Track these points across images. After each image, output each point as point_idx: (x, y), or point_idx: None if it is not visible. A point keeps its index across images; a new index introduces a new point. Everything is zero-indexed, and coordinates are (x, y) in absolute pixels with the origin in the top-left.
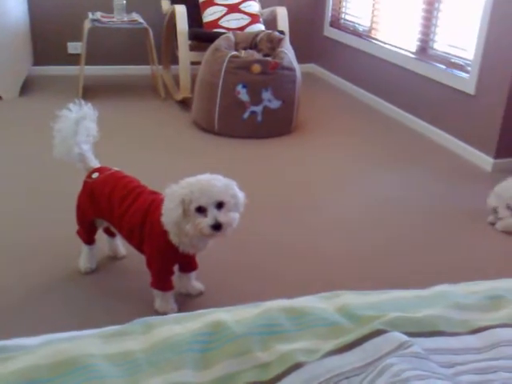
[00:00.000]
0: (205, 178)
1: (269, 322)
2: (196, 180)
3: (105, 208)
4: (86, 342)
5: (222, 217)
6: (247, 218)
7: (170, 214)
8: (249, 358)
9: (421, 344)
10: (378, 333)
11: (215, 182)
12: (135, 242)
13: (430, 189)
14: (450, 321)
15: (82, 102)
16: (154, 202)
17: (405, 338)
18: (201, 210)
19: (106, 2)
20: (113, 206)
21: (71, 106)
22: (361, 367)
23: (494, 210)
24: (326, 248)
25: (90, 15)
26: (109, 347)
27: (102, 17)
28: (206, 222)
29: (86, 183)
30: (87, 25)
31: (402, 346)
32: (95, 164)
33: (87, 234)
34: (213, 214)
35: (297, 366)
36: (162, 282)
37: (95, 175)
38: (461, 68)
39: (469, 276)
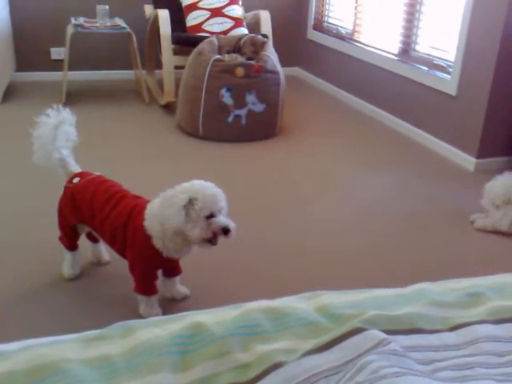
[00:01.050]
0: (204, 184)
1: (249, 323)
2: (197, 186)
3: (86, 213)
4: (64, 347)
5: (229, 222)
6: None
7: (171, 220)
8: (228, 359)
9: (399, 341)
10: (356, 331)
11: (217, 189)
12: (118, 246)
13: (413, 189)
14: (429, 318)
15: (60, 107)
16: (136, 207)
17: (383, 335)
18: (210, 216)
19: (88, 7)
20: (94, 210)
21: (49, 111)
22: (340, 366)
23: (487, 211)
24: (311, 249)
25: (73, 20)
26: (87, 352)
27: (85, 22)
28: (219, 226)
29: (66, 188)
30: (70, 30)
31: (381, 344)
32: (76, 169)
33: (69, 240)
34: (223, 220)
35: (276, 366)
36: (145, 286)
37: (76, 180)
38: (442, 69)
39: (451, 275)
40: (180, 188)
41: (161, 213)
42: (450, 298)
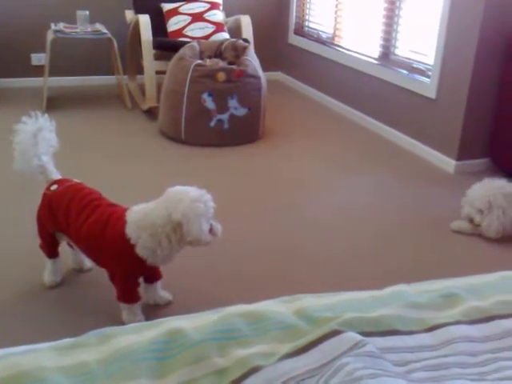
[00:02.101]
0: (196, 189)
1: (227, 328)
2: (194, 193)
3: (62, 221)
4: (41, 355)
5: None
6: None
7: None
8: (206, 364)
9: (375, 343)
10: (333, 333)
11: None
12: (94, 256)
13: (394, 191)
14: (404, 320)
15: (38, 113)
16: (112, 215)
17: (359, 337)
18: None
19: (68, 12)
20: (70, 219)
21: (26, 118)
22: (316, 368)
23: (469, 218)
24: (293, 252)
25: (53, 26)
26: (64, 359)
27: (65, 28)
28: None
29: (45, 195)
30: (50, 36)
31: (357, 346)
32: (56, 176)
33: (49, 248)
34: (216, 222)
35: (254, 370)
36: (128, 294)
37: (54, 187)
38: (422, 73)
39: (429, 277)
40: (176, 197)
41: (173, 223)
42: (425, 299)
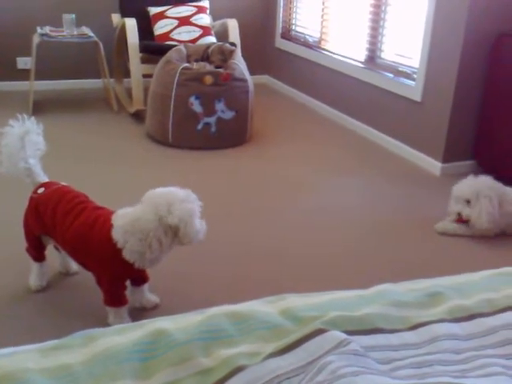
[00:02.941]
0: (181, 190)
1: (212, 328)
2: (182, 193)
3: (49, 224)
4: (24, 357)
5: None
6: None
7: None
8: (191, 364)
9: (360, 341)
10: (318, 332)
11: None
12: (80, 259)
13: (380, 194)
14: (389, 318)
15: (25, 116)
16: (99, 219)
17: (344, 336)
18: None
19: (55, 16)
20: (56, 222)
21: (13, 121)
22: (301, 367)
23: (458, 214)
24: (280, 253)
25: (39, 30)
26: (47, 361)
27: (51, 31)
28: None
29: (31, 199)
30: (36, 39)
31: (341, 344)
32: (43, 179)
33: (36, 251)
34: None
35: (238, 370)
36: (115, 298)
37: (41, 190)
38: (407, 76)
39: (415, 277)
40: (164, 199)
41: (168, 226)
42: (410, 298)
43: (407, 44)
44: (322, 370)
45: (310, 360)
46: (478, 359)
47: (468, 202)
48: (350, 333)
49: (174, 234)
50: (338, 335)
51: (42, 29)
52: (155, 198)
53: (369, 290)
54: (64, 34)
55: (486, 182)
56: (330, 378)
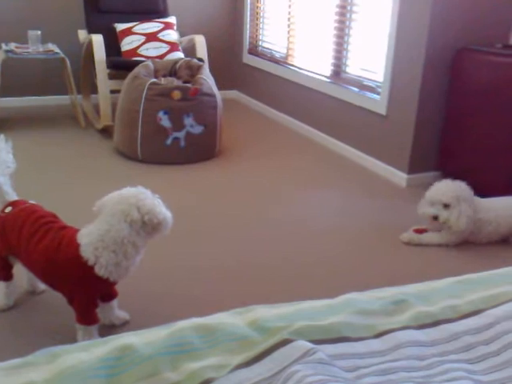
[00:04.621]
0: (140, 189)
1: (178, 342)
2: (143, 190)
3: (15, 246)
4: None
5: None
6: (170, 243)
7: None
8: (157, 379)
9: (326, 350)
10: (284, 342)
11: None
12: (49, 282)
13: (347, 205)
14: (354, 326)
15: None
16: (63, 239)
17: (310, 345)
18: None
19: (20, 32)
20: (21, 244)
21: None
22: (269, 377)
23: (435, 218)
24: (247, 268)
25: (4, 46)
26: (11, 380)
27: (17, 48)
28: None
29: None
30: (1, 56)
31: (307, 354)
32: (11, 197)
33: (3, 271)
34: None
35: (206, 383)
36: (88, 316)
37: (8, 209)
38: (372, 90)
39: (381, 286)
40: (124, 202)
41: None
42: (375, 306)
43: (371, 59)
44: (288, 379)
45: (277, 370)
46: (441, 364)
47: (446, 205)
48: (316, 342)
49: (148, 232)
50: (304, 345)
51: (6, 45)
52: (116, 206)
53: (335, 299)
54: (29, 50)
55: (463, 186)
56: None
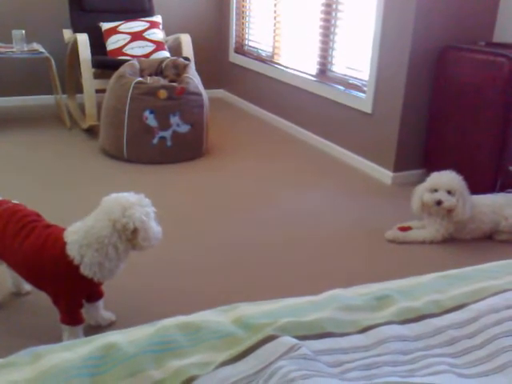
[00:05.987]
0: (132, 194)
1: (163, 340)
2: (135, 195)
3: None
4: None
5: None
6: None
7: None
8: (141, 377)
9: (310, 346)
10: (269, 339)
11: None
12: (34, 281)
13: (333, 203)
14: (339, 322)
15: None
16: (49, 238)
17: (294, 341)
18: None
19: (3, 32)
20: (5, 244)
21: None
22: (253, 374)
23: (438, 202)
24: (235, 265)
25: None
26: None
27: (1, 47)
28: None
29: None
30: None
31: (292, 349)
32: None
33: None
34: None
35: (190, 380)
36: (73, 316)
37: None
38: (358, 88)
39: (365, 282)
40: (117, 204)
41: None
42: (359, 301)
43: (357, 57)
44: (273, 375)
45: (261, 367)
46: (425, 359)
47: (449, 192)
48: (301, 338)
49: (128, 239)
50: (288, 340)
51: None
52: (108, 204)
53: (320, 295)
54: (14, 50)
55: (460, 178)
56: (281, 382)
